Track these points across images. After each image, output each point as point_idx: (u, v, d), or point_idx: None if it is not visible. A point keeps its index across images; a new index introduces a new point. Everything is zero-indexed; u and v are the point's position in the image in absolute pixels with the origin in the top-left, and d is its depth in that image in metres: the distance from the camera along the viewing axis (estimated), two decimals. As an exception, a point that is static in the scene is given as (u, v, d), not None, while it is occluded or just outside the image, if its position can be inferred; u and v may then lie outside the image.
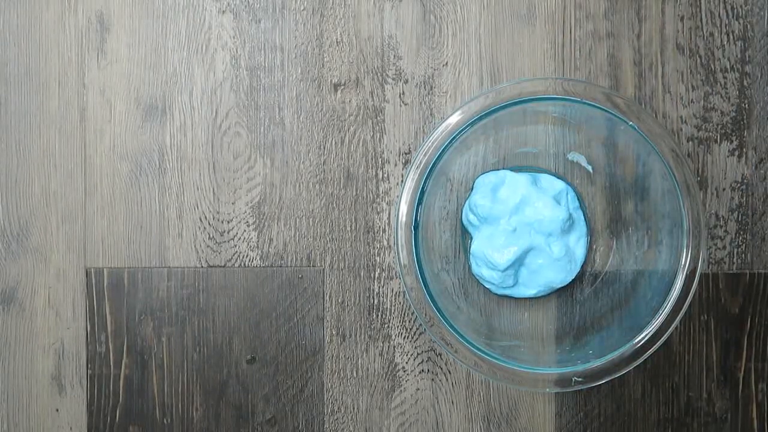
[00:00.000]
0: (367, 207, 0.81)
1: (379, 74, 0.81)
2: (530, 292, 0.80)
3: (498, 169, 0.80)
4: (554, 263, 0.79)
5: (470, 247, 0.80)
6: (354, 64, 0.81)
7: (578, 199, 0.80)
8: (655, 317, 0.74)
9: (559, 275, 0.79)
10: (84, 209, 0.81)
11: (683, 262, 0.74)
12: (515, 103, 0.74)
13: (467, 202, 0.80)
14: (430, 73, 0.81)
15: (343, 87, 0.81)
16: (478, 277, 0.80)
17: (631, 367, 0.74)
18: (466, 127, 0.74)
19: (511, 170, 0.79)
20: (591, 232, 0.81)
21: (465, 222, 0.80)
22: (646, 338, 0.74)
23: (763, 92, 0.81)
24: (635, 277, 0.79)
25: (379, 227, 0.81)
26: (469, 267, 0.80)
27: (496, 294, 0.81)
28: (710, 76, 0.81)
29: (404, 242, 0.74)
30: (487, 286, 0.80)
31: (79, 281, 0.81)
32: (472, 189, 0.80)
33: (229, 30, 0.81)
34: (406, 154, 0.81)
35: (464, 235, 0.81)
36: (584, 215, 0.80)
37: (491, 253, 0.78)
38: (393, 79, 0.81)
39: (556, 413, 0.82)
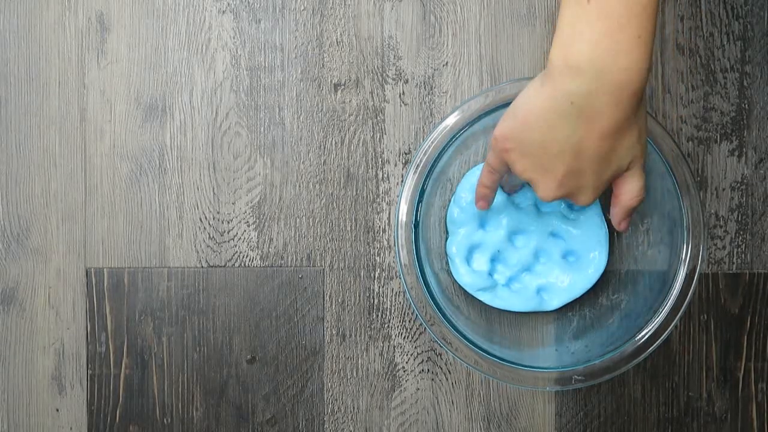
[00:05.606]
0: (367, 207, 0.81)
1: (379, 74, 0.81)
2: (521, 305, 0.79)
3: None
4: (556, 265, 0.78)
5: (446, 249, 0.79)
6: (354, 64, 0.81)
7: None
8: (654, 317, 0.74)
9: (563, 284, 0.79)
10: (84, 209, 0.81)
11: (683, 262, 0.74)
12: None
13: (452, 197, 0.79)
14: (430, 73, 0.81)
15: (343, 87, 0.81)
16: (465, 287, 0.79)
17: (631, 366, 0.74)
18: (466, 126, 0.74)
19: None
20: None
21: (448, 220, 0.79)
22: (646, 337, 0.74)
23: (763, 92, 0.81)
24: (635, 277, 0.79)
25: (379, 227, 0.81)
26: (454, 279, 0.79)
27: (504, 309, 0.79)
28: (710, 76, 0.81)
29: (404, 242, 0.74)
30: (475, 295, 0.78)
31: (79, 281, 0.81)
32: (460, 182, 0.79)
33: (229, 30, 0.81)
34: (406, 154, 0.81)
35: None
36: (603, 215, 0.79)
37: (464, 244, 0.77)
38: (393, 79, 0.81)
39: (556, 413, 0.81)
